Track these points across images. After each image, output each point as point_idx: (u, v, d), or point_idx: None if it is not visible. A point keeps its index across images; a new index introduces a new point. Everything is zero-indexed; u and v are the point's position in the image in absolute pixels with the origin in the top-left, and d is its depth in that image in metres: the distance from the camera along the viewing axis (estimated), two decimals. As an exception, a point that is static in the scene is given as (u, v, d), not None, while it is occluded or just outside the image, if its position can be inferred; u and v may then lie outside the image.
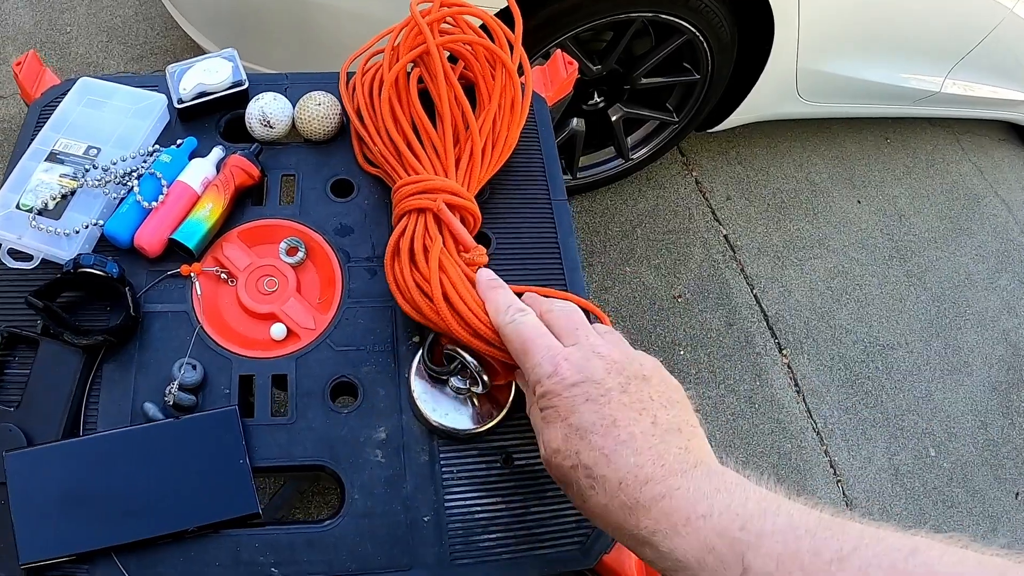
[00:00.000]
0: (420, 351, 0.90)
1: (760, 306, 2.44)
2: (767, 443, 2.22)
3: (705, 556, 0.53)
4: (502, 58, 1.01)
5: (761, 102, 2.30)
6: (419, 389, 0.88)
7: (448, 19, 1.02)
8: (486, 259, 0.90)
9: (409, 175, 0.95)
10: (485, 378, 0.84)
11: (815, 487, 2.19)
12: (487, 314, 0.80)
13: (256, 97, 1.04)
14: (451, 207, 0.91)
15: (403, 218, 0.92)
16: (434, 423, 0.87)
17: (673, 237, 2.50)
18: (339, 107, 1.05)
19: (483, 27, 1.04)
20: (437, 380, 0.89)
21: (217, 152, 1.02)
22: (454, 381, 0.87)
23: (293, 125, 1.05)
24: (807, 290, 2.50)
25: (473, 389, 0.86)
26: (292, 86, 1.11)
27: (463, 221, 0.93)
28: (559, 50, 1.27)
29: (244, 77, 1.07)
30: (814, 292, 2.50)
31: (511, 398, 0.89)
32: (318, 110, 1.03)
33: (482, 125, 0.99)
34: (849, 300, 2.52)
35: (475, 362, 0.84)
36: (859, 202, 2.73)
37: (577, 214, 2.32)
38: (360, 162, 1.05)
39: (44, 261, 0.94)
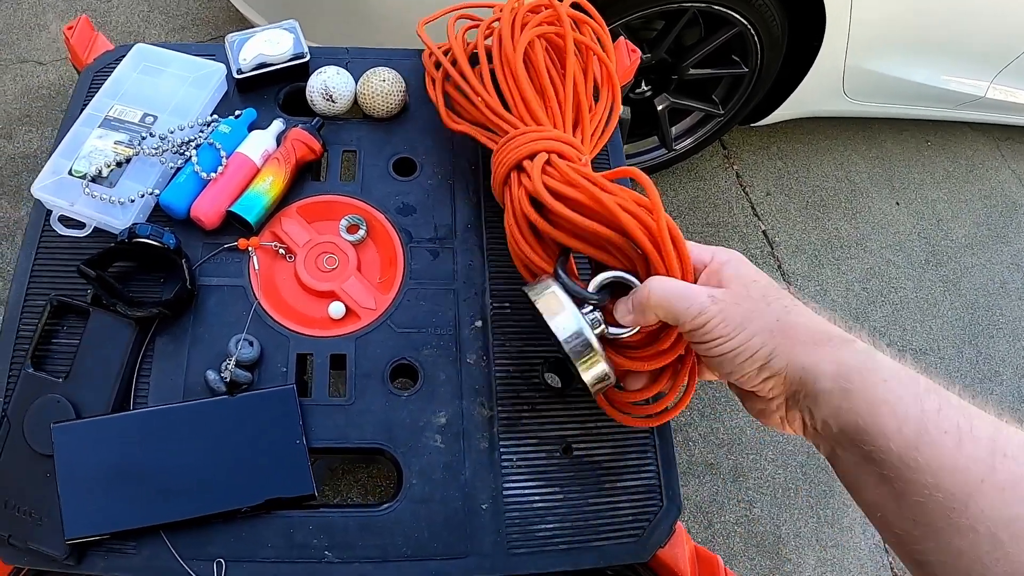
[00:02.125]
0: (554, 275, 0.76)
1: (795, 305, 2.41)
2: (797, 442, 2.19)
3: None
4: (607, 64, 0.99)
5: (807, 98, 2.26)
6: (572, 320, 0.72)
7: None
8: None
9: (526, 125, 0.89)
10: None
11: (842, 489, 2.15)
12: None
13: (319, 71, 1.02)
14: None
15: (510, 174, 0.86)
16: (594, 344, 0.71)
17: (712, 230, 2.47)
18: (403, 84, 1.03)
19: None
20: (579, 302, 0.74)
21: (278, 124, 1.00)
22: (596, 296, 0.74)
23: (355, 101, 1.03)
24: (843, 290, 2.46)
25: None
26: (353, 61, 1.08)
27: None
28: (622, 37, 1.24)
29: (305, 49, 1.04)
30: (850, 292, 2.46)
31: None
32: (382, 86, 1.00)
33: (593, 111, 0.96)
34: (884, 303, 2.48)
35: (626, 274, 0.74)
36: (898, 204, 2.69)
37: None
38: (446, 121, 1.00)
39: (96, 229, 0.92)
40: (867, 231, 2.61)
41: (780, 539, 2.01)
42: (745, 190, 2.58)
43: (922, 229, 2.67)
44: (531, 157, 0.83)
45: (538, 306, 0.72)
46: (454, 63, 0.98)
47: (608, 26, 1.79)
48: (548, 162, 0.81)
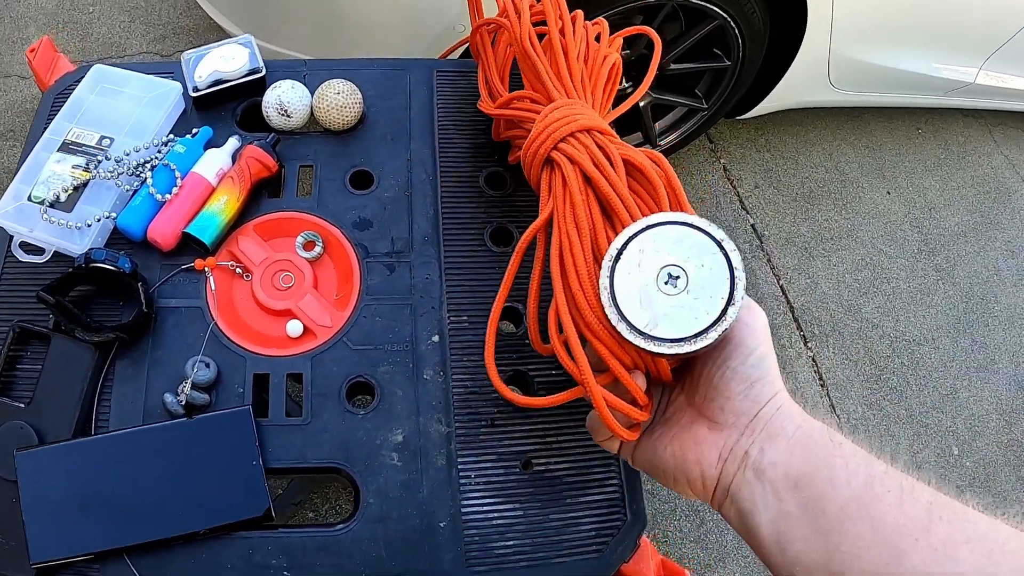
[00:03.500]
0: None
1: (786, 297, 2.39)
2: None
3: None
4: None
5: (792, 90, 2.24)
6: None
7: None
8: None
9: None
10: None
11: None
12: None
13: (274, 85, 1.01)
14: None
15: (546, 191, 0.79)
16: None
17: (699, 226, 2.45)
18: (359, 96, 1.02)
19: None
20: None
21: (233, 142, 0.99)
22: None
23: (312, 114, 1.03)
24: (834, 282, 2.45)
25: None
26: (311, 73, 1.08)
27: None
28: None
29: (261, 64, 1.04)
30: (841, 284, 2.45)
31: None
32: (337, 99, 1.00)
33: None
34: (876, 293, 2.46)
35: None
36: (889, 193, 2.67)
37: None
38: (485, 104, 0.99)
39: (56, 254, 0.92)
40: (858, 221, 2.59)
41: (773, 535, 2.00)
42: (733, 184, 2.57)
43: (914, 218, 2.65)
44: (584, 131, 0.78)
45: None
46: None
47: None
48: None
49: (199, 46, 1.06)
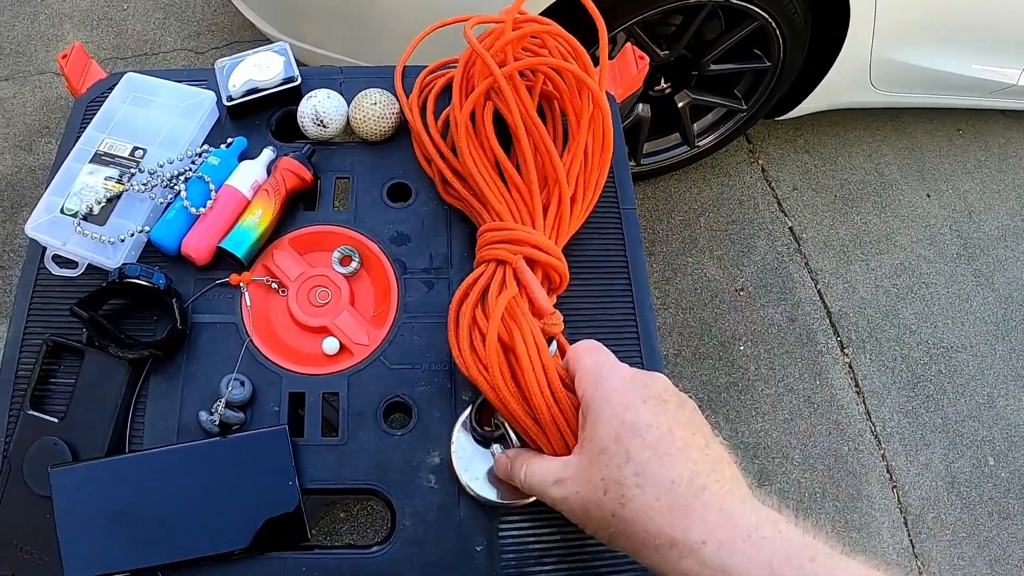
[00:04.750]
0: (470, 408, 0.83)
1: (823, 302, 2.36)
2: (824, 445, 2.15)
3: None
4: (590, 87, 0.90)
5: (833, 90, 2.20)
6: (459, 444, 0.83)
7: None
8: (560, 328, 0.81)
9: (492, 220, 0.88)
10: None
11: (870, 493, 2.11)
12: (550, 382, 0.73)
13: (309, 95, 1.00)
14: (533, 263, 0.84)
15: (481, 265, 0.86)
16: (462, 483, 0.81)
17: (737, 227, 2.43)
18: (396, 106, 1.00)
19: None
20: (480, 442, 0.82)
21: (267, 154, 0.98)
22: (495, 449, 0.80)
23: (348, 124, 1.01)
24: (872, 287, 2.40)
25: None
26: (347, 81, 1.06)
27: (547, 279, 0.86)
28: (629, 43, 1.21)
29: (296, 73, 1.02)
30: (879, 289, 2.40)
31: None
32: (374, 109, 0.98)
33: (569, 168, 0.90)
34: (915, 299, 2.42)
35: (515, 438, 0.77)
36: (928, 196, 2.62)
37: (640, 201, 2.25)
38: (441, 193, 0.98)
39: (90, 267, 0.91)
40: (897, 225, 2.54)
41: (807, 545, 1.97)
42: (771, 185, 2.53)
43: (954, 221, 2.60)
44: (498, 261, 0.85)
45: None
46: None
47: (625, 23, 1.77)
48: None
49: (232, 43, 1.05)
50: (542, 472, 0.67)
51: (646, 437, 0.58)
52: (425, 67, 1.05)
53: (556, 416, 0.71)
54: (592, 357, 0.68)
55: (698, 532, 0.52)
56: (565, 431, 0.71)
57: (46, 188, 0.93)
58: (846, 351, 2.30)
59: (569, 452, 0.68)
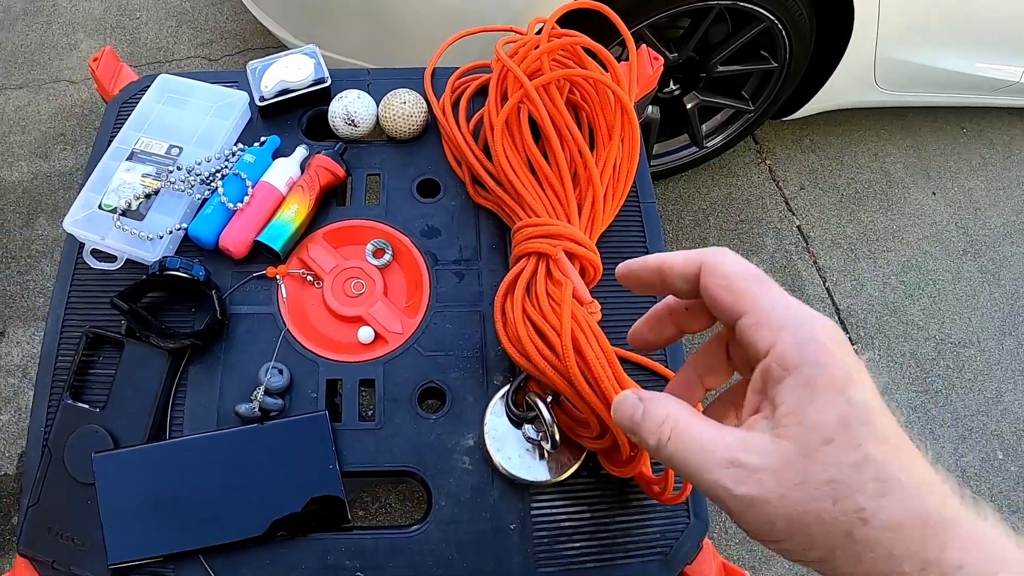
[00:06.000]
0: (504, 389, 0.87)
1: (832, 299, 2.38)
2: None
3: None
4: (620, 97, 0.94)
5: (838, 91, 2.22)
6: (492, 425, 0.86)
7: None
8: (599, 316, 0.85)
9: (528, 217, 0.91)
10: (556, 437, 0.80)
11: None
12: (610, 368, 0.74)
13: (339, 95, 1.03)
14: (571, 256, 0.87)
15: (521, 260, 0.89)
16: (495, 463, 0.85)
17: (746, 227, 2.45)
18: (424, 105, 1.03)
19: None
20: (513, 422, 0.86)
21: (301, 151, 1.01)
22: (527, 429, 0.84)
23: (377, 123, 1.04)
24: (880, 284, 2.43)
25: (543, 444, 0.82)
26: (375, 82, 1.09)
27: (582, 272, 0.89)
28: (644, 45, 1.24)
29: (326, 74, 1.05)
30: (887, 286, 2.43)
31: (578, 462, 0.85)
32: (403, 108, 1.01)
33: (603, 170, 0.94)
34: (922, 295, 2.44)
35: (551, 418, 0.80)
36: (934, 194, 2.64)
37: (647, 203, 2.29)
38: (471, 195, 1.02)
39: (128, 261, 0.94)
40: (903, 223, 2.56)
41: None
42: (778, 185, 2.56)
43: (960, 219, 2.62)
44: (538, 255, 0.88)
45: None
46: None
47: (635, 26, 1.80)
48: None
49: (245, 50, 1.08)
50: (702, 442, 0.42)
51: (877, 426, 0.39)
52: (453, 70, 1.08)
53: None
54: (766, 290, 0.45)
55: (956, 554, 0.38)
56: None
57: (82, 186, 0.96)
58: (855, 347, 2.32)
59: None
